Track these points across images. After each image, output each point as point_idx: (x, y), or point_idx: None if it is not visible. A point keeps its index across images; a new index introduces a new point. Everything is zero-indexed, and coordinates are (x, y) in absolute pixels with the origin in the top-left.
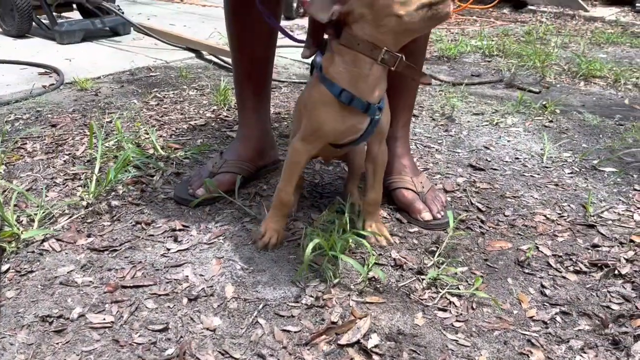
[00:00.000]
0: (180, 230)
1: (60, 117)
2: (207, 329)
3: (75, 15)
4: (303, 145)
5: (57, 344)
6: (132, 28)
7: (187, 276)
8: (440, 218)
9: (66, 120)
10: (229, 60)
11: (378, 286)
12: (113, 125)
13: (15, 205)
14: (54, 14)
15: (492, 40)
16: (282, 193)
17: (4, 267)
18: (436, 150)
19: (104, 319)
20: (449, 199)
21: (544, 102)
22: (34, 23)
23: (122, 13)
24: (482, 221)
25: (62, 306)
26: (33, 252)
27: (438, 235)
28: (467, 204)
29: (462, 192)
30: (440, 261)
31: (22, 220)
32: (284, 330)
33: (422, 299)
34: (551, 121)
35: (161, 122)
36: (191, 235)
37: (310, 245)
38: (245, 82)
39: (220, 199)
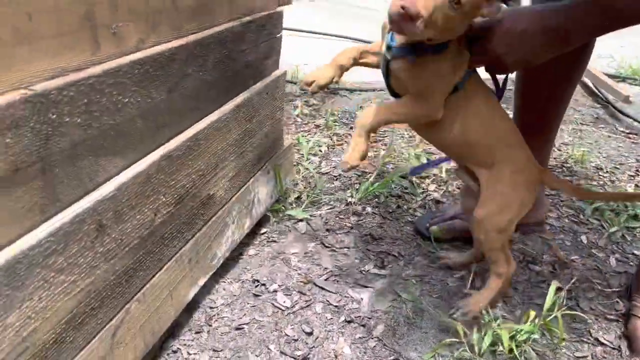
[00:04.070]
0: (392, 255)
1: None
2: (335, 352)
3: None
4: None
5: (247, 304)
6: None
7: (362, 299)
8: None
9: None
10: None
11: None
12: None
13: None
14: None
15: None
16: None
17: (263, 230)
18: None
19: (284, 302)
20: None
21: None
22: None
23: None
24: None
25: (270, 277)
26: (287, 226)
27: None
28: None
29: None
30: None
31: (300, 197)
32: None
33: None
34: None
35: None
36: (396, 265)
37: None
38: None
39: (447, 241)
